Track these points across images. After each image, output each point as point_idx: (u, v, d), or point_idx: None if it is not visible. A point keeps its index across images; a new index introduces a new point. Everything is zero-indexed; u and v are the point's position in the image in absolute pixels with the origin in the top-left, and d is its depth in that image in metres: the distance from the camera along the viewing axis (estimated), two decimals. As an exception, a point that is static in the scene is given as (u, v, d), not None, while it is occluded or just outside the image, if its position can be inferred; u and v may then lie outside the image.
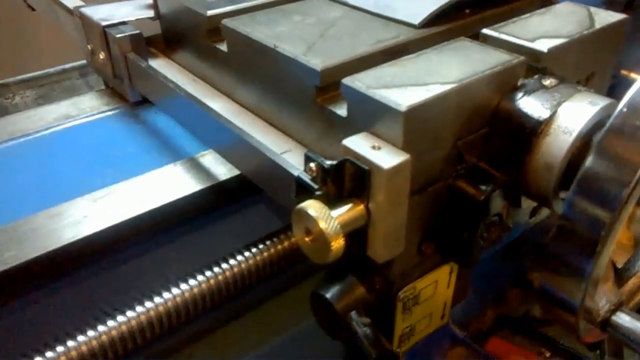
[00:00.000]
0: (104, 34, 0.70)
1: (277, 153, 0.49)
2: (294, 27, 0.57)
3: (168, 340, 0.56)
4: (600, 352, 0.87)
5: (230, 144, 0.54)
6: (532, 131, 0.46)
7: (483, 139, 0.49)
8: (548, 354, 0.87)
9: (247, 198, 0.62)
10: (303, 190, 0.44)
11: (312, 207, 0.41)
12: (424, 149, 0.44)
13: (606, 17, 0.57)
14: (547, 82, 0.50)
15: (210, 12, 0.62)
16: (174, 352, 0.58)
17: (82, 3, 0.84)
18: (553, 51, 0.51)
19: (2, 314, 0.49)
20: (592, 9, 0.59)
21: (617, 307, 0.48)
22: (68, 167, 0.61)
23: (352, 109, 0.47)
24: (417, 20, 0.56)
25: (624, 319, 0.45)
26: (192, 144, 0.64)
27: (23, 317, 0.51)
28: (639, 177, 0.37)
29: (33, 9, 1.06)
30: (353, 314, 0.53)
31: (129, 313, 0.52)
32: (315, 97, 0.51)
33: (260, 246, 0.59)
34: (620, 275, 0.52)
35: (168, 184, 0.57)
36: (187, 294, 0.55)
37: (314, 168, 0.44)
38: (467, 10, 0.60)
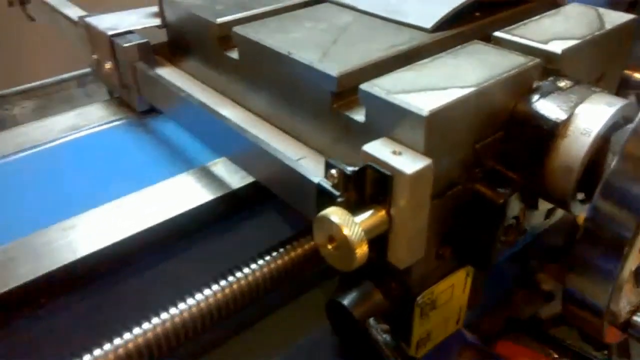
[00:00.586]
0: (110, 43, 0.69)
1: (295, 160, 0.49)
2: (306, 34, 0.57)
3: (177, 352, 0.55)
4: (608, 352, 0.87)
5: (245, 151, 0.54)
6: (549, 133, 0.46)
7: (500, 142, 0.49)
8: (556, 355, 0.87)
9: (259, 205, 0.62)
10: (324, 197, 0.44)
11: (335, 214, 0.41)
12: (444, 153, 0.44)
13: (616, 18, 0.57)
14: (562, 83, 0.50)
15: (220, 20, 0.62)
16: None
17: (84, 12, 0.84)
18: (567, 53, 0.51)
19: (20, 327, 0.49)
20: (601, 10, 0.59)
21: (638, 308, 0.48)
22: (79, 178, 0.60)
23: (370, 115, 0.47)
24: (429, 24, 0.56)
25: (644, 320, 0.45)
26: (203, 153, 0.64)
27: (39, 330, 0.50)
28: (664, 179, 0.38)
29: (33, 19, 1.06)
30: (371, 320, 0.52)
31: (145, 325, 0.51)
32: (331, 103, 0.51)
33: (274, 254, 0.59)
34: (638, 277, 0.52)
35: (181, 194, 0.57)
36: (202, 305, 0.54)
37: (335, 175, 0.44)
38: (477, 13, 0.60)
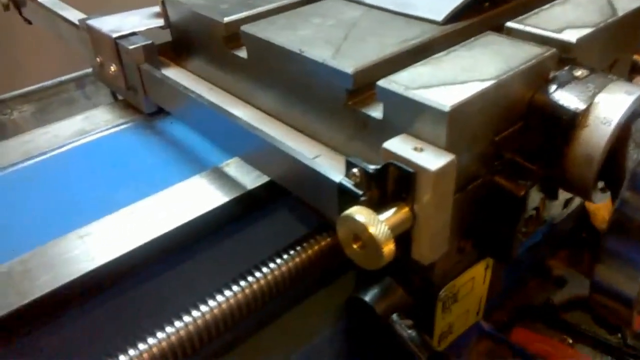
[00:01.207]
0: (115, 46, 0.68)
1: (312, 159, 0.48)
2: (316, 30, 0.56)
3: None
4: (622, 335, 0.87)
5: (260, 150, 0.54)
6: (569, 123, 0.46)
7: (518, 133, 0.49)
8: (570, 340, 0.88)
9: (272, 203, 0.61)
10: (346, 197, 0.44)
11: (360, 213, 0.41)
12: (465, 148, 0.44)
13: (627, 4, 0.57)
14: (579, 73, 0.49)
15: (227, 19, 0.61)
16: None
17: (82, 15, 0.83)
18: (581, 41, 0.51)
19: (41, 337, 0.48)
20: (610, -4, 0.59)
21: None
22: (91, 184, 0.60)
23: (388, 111, 0.46)
24: (439, 16, 0.55)
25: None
26: (214, 153, 0.63)
27: (60, 339, 0.50)
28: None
29: (30, 22, 1.04)
30: (395, 316, 0.52)
31: (166, 330, 0.51)
32: (346, 100, 0.50)
33: (293, 251, 0.59)
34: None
35: (195, 197, 0.56)
36: (224, 305, 0.54)
37: (357, 173, 0.43)
38: (487, 4, 0.59)
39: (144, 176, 0.61)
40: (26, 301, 0.45)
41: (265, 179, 0.58)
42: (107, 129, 0.69)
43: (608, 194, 0.50)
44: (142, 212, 0.55)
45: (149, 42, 0.68)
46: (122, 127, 0.70)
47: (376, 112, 0.48)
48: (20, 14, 1.04)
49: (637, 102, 0.46)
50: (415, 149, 0.42)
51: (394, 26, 0.56)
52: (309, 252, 0.60)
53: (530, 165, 0.49)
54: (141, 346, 0.49)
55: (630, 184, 0.38)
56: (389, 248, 0.40)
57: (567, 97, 0.47)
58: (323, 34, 0.55)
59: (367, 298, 0.54)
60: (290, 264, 0.58)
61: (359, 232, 0.41)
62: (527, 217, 0.50)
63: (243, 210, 0.57)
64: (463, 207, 0.47)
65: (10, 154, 0.64)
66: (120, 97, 0.79)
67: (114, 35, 0.68)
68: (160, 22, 0.73)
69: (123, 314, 0.54)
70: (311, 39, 0.54)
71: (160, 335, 0.50)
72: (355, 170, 0.43)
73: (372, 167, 0.42)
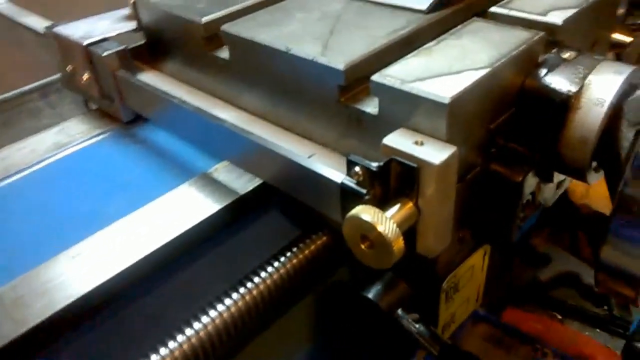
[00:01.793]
0: (86, 53, 0.66)
1: (309, 159, 0.47)
2: (300, 26, 0.55)
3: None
4: (608, 307, 0.90)
5: (252, 153, 0.52)
6: (563, 106, 0.46)
7: (511, 119, 0.49)
8: (559, 316, 0.89)
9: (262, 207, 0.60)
10: (350, 196, 0.43)
11: (366, 212, 0.40)
12: (464, 138, 0.44)
13: (604, -17, 0.57)
14: (566, 55, 0.50)
15: (205, 19, 0.59)
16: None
17: (45, 22, 0.80)
18: (567, 23, 0.51)
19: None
20: (588, -24, 0.59)
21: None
22: (77, 199, 0.57)
23: (384, 106, 0.45)
24: (424, 5, 0.55)
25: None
26: (200, 159, 0.62)
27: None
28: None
29: (-13, 32, 0.99)
30: (400, 311, 0.52)
31: (168, 346, 0.50)
32: (339, 97, 0.49)
33: (289, 253, 0.58)
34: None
35: (187, 206, 0.55)
36: (225, 314, 0.53)
37: (359, 172, 0.42)
38: (468, -10, 0.59)
39: (130, 188, 0.59)
40: (23, 330, 0.43)
41: (257, 182, 0.56)
42: (85, 141, 0.67)
43: (601, 173, 0.51)
44: (132, 226, 0.53)
45: (123, 47, 0.65)
46: (100, 137, 0.67)
47: (370, 107, 0.48)
48: (-24, 24, 0.99)
49: (627, 81, 0.46)
50: (416, 142, 0.42)
51: (379, 17, 0.55)
52: (306, 252, 0.59)
53: (527, 151, 0.49)
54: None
55: (635, 164, 0.38)
56: (398, 245, 0.40)
57: (558, 80, 0.47)
58: (308, 30, 0.54)
59: (371, 295, 0.53)
60: (289, 265, 0.58)
61: (367, 232, 0.40)
62: (524, 202, 0.50)
63: (236, 216, 0.56)
64: (462, 197, 0.47)
65: (-13, 172, 0.61)
66: (93, 107, 0.76)
67: (85, 42, 0.66)
68: (132, 25, 0.71)
69: (120, 333, 0.52)
70: (296, 35, 0.53)
71: (162, 351, 0.49)
72: (357, 168, 0.42)
73: (374, 165, 0.42)
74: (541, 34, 0.49)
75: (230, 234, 0.58)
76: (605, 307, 0.89)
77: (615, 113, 0.46)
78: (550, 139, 0.48)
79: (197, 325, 0.51)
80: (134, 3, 0.67)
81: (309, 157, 0.51)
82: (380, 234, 0.39)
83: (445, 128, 0.42)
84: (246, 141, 0.52)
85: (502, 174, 0.49)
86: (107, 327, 0.50)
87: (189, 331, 0.51)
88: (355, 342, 0.66)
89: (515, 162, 0.49)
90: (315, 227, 0.61)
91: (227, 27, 0.56)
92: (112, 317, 0.50)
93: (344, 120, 0.50)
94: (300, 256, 0.59)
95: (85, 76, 0.68)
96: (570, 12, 0.51)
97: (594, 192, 1.02)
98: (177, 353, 0.49)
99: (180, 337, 0.50)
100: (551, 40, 0.51)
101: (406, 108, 0.43)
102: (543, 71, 0.48)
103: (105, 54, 0.64)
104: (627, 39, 0.69)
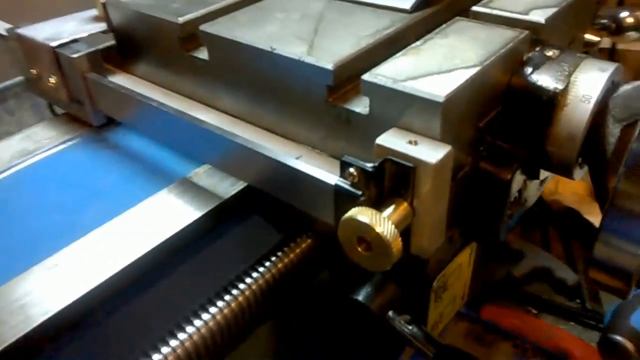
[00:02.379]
0: (54, 55, 0.63)
1: (297, 160, 0.46)
2: (282, 26, 0.54)
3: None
4: (581, 300, 0.92)
5: (238, 155, 0.51)
6: (550, 104, 0.47)
7: (498, 118, 0.49)
8: (535, 311, 0.91)
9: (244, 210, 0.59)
10: (344, 198, 0.42)
11: (362, 213, 0.40)
12: (456, 137, 0.43)
13: (580, -18, 0.58)
14: (550, 53, 0.50)
15: (182, 19, 0.57)
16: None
17: (6, 25, 0.76)
18: (549, 21, 0.51)
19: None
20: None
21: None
22: (50, 208, 0.54)
23: (375, 106, 0.45)
24: (407, 4, 0.54)
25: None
26: (178, 163, 0.59)
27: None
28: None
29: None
30: (391, 313, 0.52)
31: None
32: (327, 97, 0.48)
33: (274, 258, 0.57)
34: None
35: (169, 213, 0.52)
36: (211, 323, 0.51)
37: (354, 173, 0.42)
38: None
39: (106, 195, 0.56)
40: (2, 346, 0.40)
41: (240, 185, 0.55)
42: (54, 147, 0.63)
43: (585, 169, 0.51)
44: (111, 236, 0.51)
45: (93, 49, 0.62)
46: (70, 143, 0.64)
47: (360, 107, 0.47)
48: None
49: (611, 78, 0.47)
50: (410, 142, 0.42)
51: (362, 17, 0.54)
52: (291, 255, 0.58)
53: (513, 149, 0.49)
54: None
55: (628, 161, 0.39)
56: (397, 246, 0.39)
57: (544, 78, 0.48)
58: (291, 29, 0.53)
59: (361, 297, 0.52)
60: (274, 270, 0.56)
61: (364, 234, 0.40)
62: (512, 200, 0.51)
63: (220, 221, 0.54)
64: (453, 196, 0.47)
65: (-53, 184, 0.58)
66: (59, 112, 0.73)
67: (53, 43, 0.63)
68: (101, 26, 0.68)
69: (101, 345, 0.49)
70: (280, 35, 0.52)
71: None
72: (351, 169, 0.42)
73: (369, 165, 0.41)
74: (526, 32, 0.49)
75: (211, 239, 0.56)
76: (578, 301, 0.91)
77: (601, 109, 0.46)
78: (537, 136, 0.48)
79: (182, 335, 0.50)
80: (104, 3, 0.65)
81: (297, 158, 0.50)
82: (378, 235, 0.39)
83: (439, 127, 0.41)
84: (230, 143, 0.50)
85: (491, 172, 0.49)
86: (87, 340, 0.48)
87: (173, 342, 0.49)
88: (341, 344, 0.65)
89: (503, 160, 0.49)
90: (298, 230, 0.60)
91: (206, 27, 0.55)
92: (91, 330, 0.48)
93: (332, 120, 0.49)
94: (286, 260, 0.58)
95: (53, 80, 0.65)
96: (551, 11, 0.52)
97: (563, 189, 1.04)
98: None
99: (164, 349, 0.48)
100: (534, 39, 0.52)
101: (398, 107, 0.43)
102: (529, 69, 0.48)
103: (75, 56, 0.61)
104: (596, 39, 0.71)
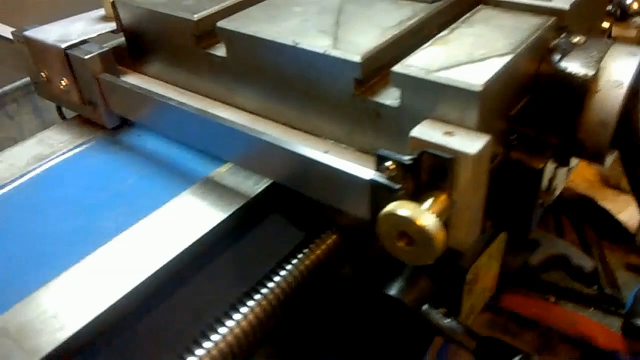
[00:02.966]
0: (65, 57, 0.61)
1: (332, 157, 0.45)
2: (301, 20, 0.53)
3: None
4: (598, 286, 0.92)
5: (265, 152, 0.50)
6: (581, 90, 0.46)
7: (528, 106, 0.48)
8: (553, 299, 0.91)
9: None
10: (381, 193, 0.41)
11: (403, 207, 0.39)
12: (490, 126, 0.43)
13: (599, -32, 0.58)
14: (576, 39, 0.50)
15: (197, 16, 0.56)
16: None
17: (9, 28, 0.74)
18: (573, 7, 0.51)
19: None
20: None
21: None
22: (71, 215, 0.53)
23: (407, 98, 0.44)
24: (428, -6, 0.53)
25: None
26: (198, 163, 0.58)
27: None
28: None
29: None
30: (426, 307, 0.51)
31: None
32: (354, 91, 0.47)
33: (300, 255, 0.56)
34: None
35: (196, 214, 0.51)
36: (242, 324, 0.50)
37: (390, 167, 0.41)
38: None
39: (127, 198, 0.55)
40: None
41: (265, 183, 0.54)
42: (69, 151, 0.62)
43: (614, 154, 0.51)
44: (138, 240, 0.50)
45: (105, 49, 0.61)
46: (85, 146, 0.63)
47: (389, 99, 0.46)
48: None
49: (640, 62, 0.46)
50: (446, 133, 0.41)
51: (383, 8, 0.53)
52: (318, 252, 0.58)
53: (545, 137, 0.48)
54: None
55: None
56: (442, 239, 0.38)
57: (574, 65, 0.47)
58: (311, 23, 0.52)
59: (394, 292, 0.52)
60: (302, 267, 0.56)
61: (406, 228, 0.39)
62: (544, 189, 0.50)
63: (247, 220, 0.54)
64: (487, 187, 0.46)
65: (-37, 192, 0.56)
66: (68, 115, 0.72)
67: (63, 45, 0.61)
68: (109, 26, 0.67)
69: (130, 352, 0.49)
70: (301, 29, 0.51)
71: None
72: (388, 163, 0.41)
73: (406, 158, 0.40)
74: (553, 19, 0.48)
75: (234, 239, 0.55)
76: (596, 287, 0.91)
77: (633, 94, 0.46)
78: (568, 124, 0.47)
79: (215, 336, 0.49)
80: (113, 3, 0.63)
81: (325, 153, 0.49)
82: (421, 228, 0.38)
83: (476, 117, 0.40)
84: (257, 140, 0.49)
85: (523, 161, 0.48)
86: (118, 346, 0.47)
87: (206, 343, 0.48)
88: (368, 339, 0.64)
89: (534, 149, 0.48)
90: (322, 226, 0.59)
91: (223, 24, 0.54)
92: (122, 335, 0.47)
93: (359, 114, 0.48)
94: (312, 257, 0.57)
95: (64, 82, 0.64)
96: (574, -3, 0.51)
97: (574, 176, 1.04)
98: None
99: (198, 351, 0.48)
100: (560, 26, 0.51)
101: (432, 98, 0.42)
102: (557, 57, 0.48)
103: (87, 57, 0.59)
104: (606, 25, 0.70)
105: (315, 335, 0.65)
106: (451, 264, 0.50)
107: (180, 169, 0.58)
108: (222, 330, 0.50)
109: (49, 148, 0.63)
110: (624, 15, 0.73)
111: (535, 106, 0.48)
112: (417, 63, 0.43)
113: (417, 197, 0.41)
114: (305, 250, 0.57)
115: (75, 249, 0.49)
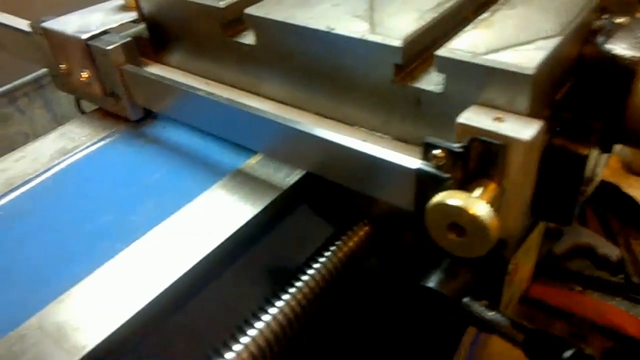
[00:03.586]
0: (86, 48, 0.60)
1: (373, 146, 0.44)
2: (332, 4, 0.51)
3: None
4: (625, 275, 0.90)
5: (300, 144, 0.48)
6: (628, 73, 0.45)
7: (572, 90, 0.47)
8: (579, 288, 0.89)
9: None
10: (429, 183, 0.40)
11: (454, 197, 0.37)
12: (539, 112, 0.41)
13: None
14: (620, 20, 0.48)
15: (223, 3, 0.54)
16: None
17: (23, 20, 0.73)
18: (616, -13, 0.49)
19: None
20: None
21: None
22: (100, 210, 0.51)
23: (450, 83, 0.42)
24: (463, -23, 0.52)
25: None
26: (225, 154, 0.57)
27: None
28: None
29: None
30: (467, 299, 0.49)
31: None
32: (393, 77, 0.46)
33: (333, 248, 0.55)
34: None
35: (228, 208, 0.50)
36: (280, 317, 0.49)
37: (439, 155, 0.39)
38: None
39: (157, 192, 0.54)
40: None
41: (298, 174, 0.53)
42: (93, 144, 0.61)
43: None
44: (171, 235, 0.48)
45: (128, 39, 0.59)
46: (109, 140, 0.62)
47: (431, 85, 0.45)
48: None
49: (691, 43, 0.45)
50: (496, 119, 0.39)
51: (416, -8, 0.51)
52: (350, 244, 0.56)
53: (589, 122, 0.47)
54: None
55: None
56: (495, 228, 0.37)
57: (620, 47, 0.45)
58: (344, 8, 0.50)
59: (433, 284, 0.50)
60: (335, 259, 0.55)
61: (457, 218, 0.37)
62: (587, 176, 0.49)
63: (281, 212, 0.52)
64: (532, 175, 0.45)
65: (-12, 187, 0.55)
66: (87, 108, 0.70)
67: (84, 36, 0.60)
68: (129, 15, 0.65)
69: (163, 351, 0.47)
70: (333, 14, 0.49)
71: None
72: (437, 151, 0.39)
73: (456, 145, 0.39)
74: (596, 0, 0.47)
75: (266, 231, 0.54)
76: (622, 276, 0.90)
77: (682, 76, 0.44)
78: (615, 107, 0.46)
79: (251, 331, 0.48)
80: (135, -9, 0.62)
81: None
82: (475, 218, 0.36)
83: (528, 101, 0.39)
84: (292, 130, 0.48)
85: (567, 148, 0.46)
86: (151, 344, 0.46)
87: (244, 339, 0.47)
88: (403, 332, 0.63)
89: (579, 135, 0.46)
90: (354, 218, 0.58)
91: (252, 10, 0.52)
92: (154, 334, 0.46)
93: (398, 101, 0.47)
94: (345, 249, 0.56)
95: (85, 74, 0.62)
96: (617, -24, 0.49)
97: (596, 163, 1.02)
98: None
99: (236, 346, 0.47)
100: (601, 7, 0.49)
101: (479, 83, 0.40)
102: (601, 38, 0.46)
103: (109, 47, 0.58)
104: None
105: (343, 329, 0.64)
106: (494, 255, 0.48)
107: (208, 161, 0.57)
108: (259, 324, 0.48)
109: (72, 142, 0.61)
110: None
111: (579, 90, 0.47)
112: (462, 46, 0.41)
113: (464, 186, 0.40)
114: (338, 243, 0.55)
115: (107, 245, 0.48)
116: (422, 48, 0.46)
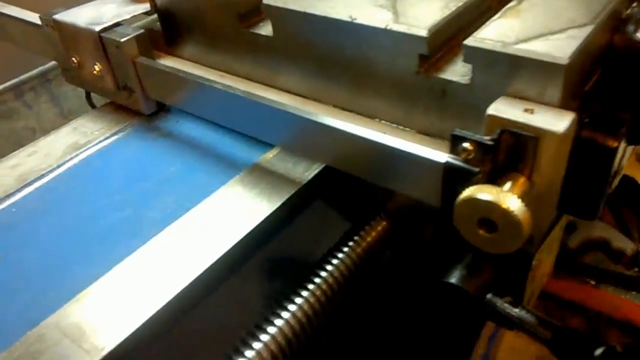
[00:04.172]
0: (99, 40, 0.58)
1: (397, 140, 0.43)
2: (351, -5, 0.50)
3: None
4: (639, 269, 0.89)
5: (320, 137, 0.47)
6: (659, 63, 0.43)
7: (600, 81, 0.46)
8: (593, 282, 0.88)
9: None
10: (457, 177, 0.39)
11: (484, 191, 0.36)
12: (569, 103, 0.40)
13: None
14: (649, 8, 0.46)
15: (240, -7, 0.53)
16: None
17: (33, 13, 0.71)
18: (644, -25, 0.47)
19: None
20: None
21: None
22: (116, 206, 0.50)
23: (478, 73, 0.41)
24: (485, -36, 0.50)
25: None
26: (240, 148, 0.56)
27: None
28: None
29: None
30: (490, 296, 0.48)
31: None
32: (418, 68, 0.45)
33: (351, 243, 0.54)
34: None
35: (247, 204, 0.49)
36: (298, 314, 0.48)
37: (469, 148, 0.38)
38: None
39: (173, 186, 0.53)
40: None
41: (316, 168, 0.52)
42: (106, 139, 0.60)
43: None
44: (191, 231, 0.47)
45: (141, 31, 0.58)
46: (122, 134, 0.61)
47: (457, 76, 0.43)
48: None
49: None
50: (526, 110, 0.38)
51: (439, -19, 0.50)
52: (368, 239, 0.55)
53: (619, 113, 0.46)
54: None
55: None
56: (528, 222, 0.36)
57: (651, 36, 0.44)
58: (364, -2, 0.49)
59: (455, 280, 0.49)
60: (353, 254, 0.54)
61: (488, 214, 0.36)
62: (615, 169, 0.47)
63: (300, 207, 0.51)
64: (559, 168, 0.44)
65: (2, 183, 0.54)
66: (98, 103, 0.69)
67: (97, 28, 0.58)
68: (142, 7, 0.64)
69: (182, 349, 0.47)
70: (354, 3, 0.48)
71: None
72: (466, 144, 0.38)
73: (487, 138, 0.37)
74: (627, -14, 0.45)
75: (284, 225, 0.53)
76: (636, 269, 0.88)
77: None
78: (646, 98, 0.44)
79: (271, 328, 0.47)
80: (147, -18, 0.60)
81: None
82: (506, 213, 0.35)
83: (560, 92, 0.38)
84: (312, 123, 0.46)
85: (595, 140, 0.45)
86: (168, 342, 0.45)
87: (263, 336, 0.46)
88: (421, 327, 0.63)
89: (608, 127, 0.45)
90: (371, 212, 0.57)
91: (270, 1, 0.51)
92: (172, 332, 0.45)
93: (422, 93, 0.46)
94: (364, 244, 0.55)
95: (97, 67, 0.61)
96: (645, -37, 0.48)
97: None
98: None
99: (255, 344, 0.46)
100: (628, -5, 0.48)
101: (508, 73, 0.39)
102: (631, 27, 0.45)
103: (123, 40, 0.57)
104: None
105: (361, 323, 0.63)
106: (519, 251, 0.47)
107: (224, 155, 0.56)
108: (278, 322, 0.47)
109: (84, 137, 0.60)
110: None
111: (608, 80, 0.46)
112: (491, 36, 0.40)
113: (493, 180, 0.39)
114: (356, 238, 0.54)
115: (125, 241, 0.47)
116: (446, 38, 0.45)
